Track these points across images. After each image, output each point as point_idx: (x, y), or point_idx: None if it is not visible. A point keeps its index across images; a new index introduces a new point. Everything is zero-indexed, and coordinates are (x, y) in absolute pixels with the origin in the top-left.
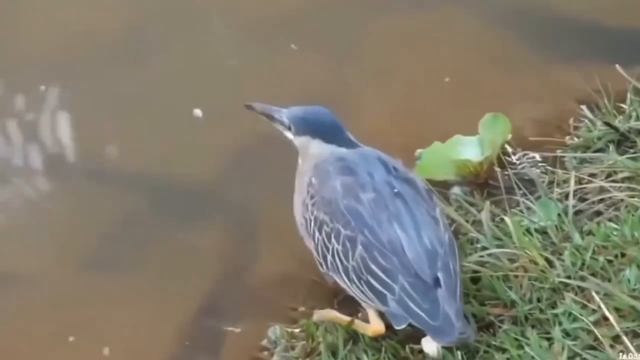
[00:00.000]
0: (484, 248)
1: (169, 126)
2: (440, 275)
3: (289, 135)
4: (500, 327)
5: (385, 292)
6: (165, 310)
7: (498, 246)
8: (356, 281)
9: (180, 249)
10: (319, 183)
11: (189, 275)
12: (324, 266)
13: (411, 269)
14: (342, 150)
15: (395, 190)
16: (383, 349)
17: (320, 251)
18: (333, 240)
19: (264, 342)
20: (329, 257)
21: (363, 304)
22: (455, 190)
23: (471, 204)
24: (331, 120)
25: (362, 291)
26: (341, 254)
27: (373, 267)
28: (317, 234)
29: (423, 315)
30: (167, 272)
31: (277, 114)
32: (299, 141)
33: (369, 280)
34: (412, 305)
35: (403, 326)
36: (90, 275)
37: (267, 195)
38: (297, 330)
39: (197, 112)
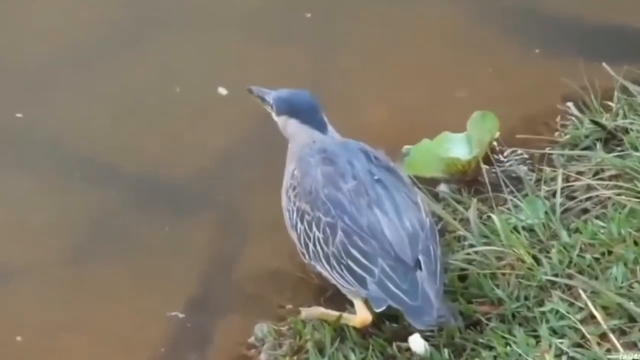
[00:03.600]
0: (471, 246)
1: (156, 121)
2: (421, 257)
3: (273, 115)
4: (487, 324)
5: (365, 275)
6: (152, 307)
7: (485, 244)
8: (337, 267)
9: (168, 245)
10: (300, 175)
11: (176, 271)
12: (307, 256)
13: (391, 252)
14: (321, 138)
15: (376, 177)
16: (370, 347)
17: (302, 241)
18: (314, 228)
19: (251, 340)
20: (311, 246)
21: (348, 295)
22: (443, 187)
23: (458, 202)
24: (307, 102)
25: (342, 276)
26: (322, 241)
27: (353, 251)
28: (299, 224)
29: (402, 295)
30: (153, 268)
31: (267, 95)
32: (279, 121)
33: (349, 264)
34: (391, 286)
35: (383, 308)
36: (76, 271)
37: (255, 192)
38: (284, 328)
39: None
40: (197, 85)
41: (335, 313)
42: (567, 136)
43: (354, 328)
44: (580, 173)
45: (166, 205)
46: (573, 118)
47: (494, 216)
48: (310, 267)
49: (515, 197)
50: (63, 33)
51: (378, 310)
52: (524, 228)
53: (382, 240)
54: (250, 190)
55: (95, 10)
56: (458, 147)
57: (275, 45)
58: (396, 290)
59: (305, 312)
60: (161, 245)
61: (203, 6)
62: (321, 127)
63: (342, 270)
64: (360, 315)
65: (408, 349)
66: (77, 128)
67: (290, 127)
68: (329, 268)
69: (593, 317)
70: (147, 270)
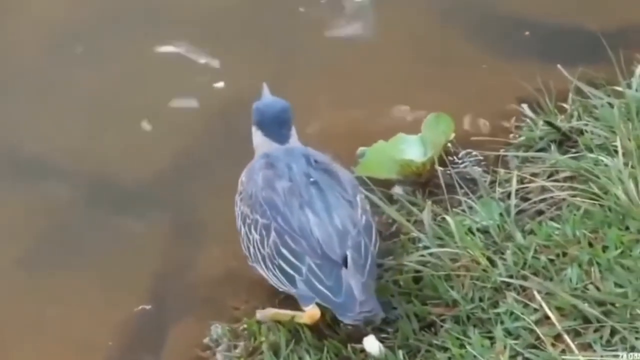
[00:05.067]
0: (426, 247)
1: (111, 123)
2: (349, 252)
3: None
4: (442, 326)
5: (293, 274)
6: (106, 309)
7: (440, 245)
8: (271, 267)
9: (121, 247)
10: (246, 180)
11: (130, 273)
12: (250, 259)
13: (318, 250)
14: (273, 146)
15: (312, 180)
16: (325, 349)
17: (245, 244)
18: (253, 231)
19: (206, 341)
20: (251, 248)
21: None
22: (397, 189)
23: (413, 204)
24: (274, 115)
25: (275, 276)
26: (259, 243)
27: (284, 251)
28: (242, 227)
29: (327, 292)
30: (107, 270)
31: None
32: (253, 130)
33: (280, 264)
34: (317, 284)
35: (310, 306)
36: (28, 274)
37: (210, 194)
38: (239, 329)
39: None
40: (152, 88)
41: (290, 312)
42: (522, 138)
43: (309, 329)
44: (534, 175)
45: (120, 208)
46: (527, 120)
47: (448, 218)
48: (254, 269)
49: (469, 198)
50: (17, 33)
51: (306, 309)
52: (478, 230)
53: (311, 240)
54: (206, 194)
55: (47, 10)
56: (412, 149)
57: (232, 48)
58: (321, 287)
59: (260, 313)
60: (115, 248)
61: (158, 9)
62: (281, 140)
63: (275, 270)
64: (308, 311)
65: (363, 350)
66: (30, 130)
67: (255, 138)
68: (265, 269)
69: (548, 318)
70: (101, 273)
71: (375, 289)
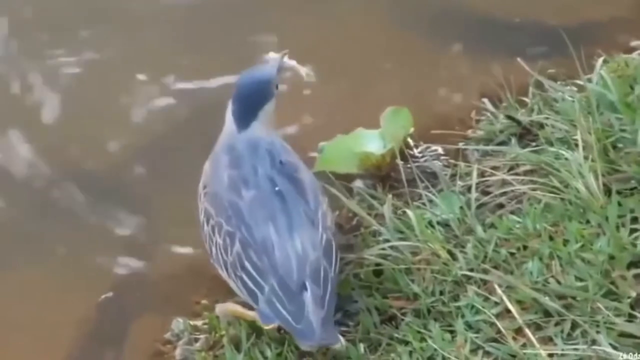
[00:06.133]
0: (386, 241)
1: (72, 117)
2: (307, 282)
3: None
4: (402, 319)
5: (256, 290)
6: (66, 304)
7: (400, 239)
8: (233, 277)
9: (82, 242)
10: (211, 173)
11: (90, 269)
12: (211, 258)
13: (279, 271)
14: (236, 135)
15: (277, 188)
16: (286, 342)
17: (208, 243)
18: (216, 233)
19: (168, 335)
20: (214, 250)
21: None
22: (358, 183)
23: (373, 197)
24: (244, 88)
25: (238, 287)
26: (222, 249)
27: (247, 264)
28: (205, 225)
29: (288, 317)
30: (67, 265)
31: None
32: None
33: (242, 277)
34: (279, 306)
35: (270, 326)
36: None
37: (170, 187)
38: (200, 323)
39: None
40: (115, 79)
41: (250, 313)
42: (482, 132)
43: None
44: (495, 168)
45: (79, 203)
46: (488, 113)
47: (409, 211)
48: (213, 267)
49: (430, 192)
50: None
51: (267, 328)
52: (439, 223)
53: (272, 258)
54: (165, 186)
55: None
56: (372, 142)
57: (194, 40)
58: (282, 311)
59: (220, 307)
60: (74, 243)
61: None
62: (240, 124)
63: (237, 281)
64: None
65: None
66: None
67: (227, 111)
68: (227, 276)
69: (508, 311)
70: (60, 270)
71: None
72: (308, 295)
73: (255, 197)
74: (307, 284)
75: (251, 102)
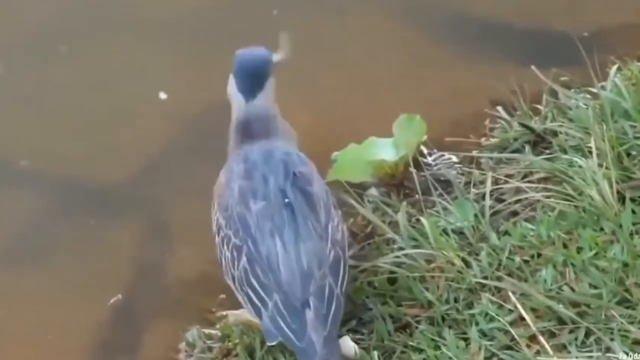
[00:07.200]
0: (401, 249)
1: (82, 123)
2: (311, 300)
3: None
4: (417, 327)
5: (260, 306)
6: (79, 312)
7: (414, 247)
8: (240, 291)
9: (94, 249)
10: (224, 184)
11: (103, 276)
12: (222, 269)
13: (284, 287)
14: (244, 108)
15: (287, 201)
16: None
17: (218, 253)
18: (225, 246)
19: (182, 345)
20: (224, 261)
21: None
22: (372, 191)
23: (387, 205)
24: (251, 63)
25: (244, 301)
26: (230, 261)
27: (253, 280)
28: (217, 236)
29: (290, 334)
30: (80, 273)
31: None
32: (230, 79)
33: (248, 292)
34: (282, 324)
35: (274, 343)
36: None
37: (184, 195)
38: (214, 332)
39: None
40: (127, 88)
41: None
42: (496, 139)
43: None
44: (509, 176)
45: (92, 210)
46: (502, 121)
47: (423, 219)
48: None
49: (444, 200)
50: None
51: (270, 344)
52: (453, 231)
53: (277, 274)
54: (179, 194)
55: (23, 7)
56: (385, 150)
57: (204, 48)
58: (285, 328)
59: (233, 315)
60: (88, 250)
61: (140, 9)
62: (247, 94)
63: (243, 296)
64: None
65: None
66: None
67: (229, 87)
68: (235, 289)
69: (522, 319)
70: (73, 276)
71: (340, 324)
72: (311, 313)
73: (263, 209)
74: (311, 301)
75: (256, 71)
